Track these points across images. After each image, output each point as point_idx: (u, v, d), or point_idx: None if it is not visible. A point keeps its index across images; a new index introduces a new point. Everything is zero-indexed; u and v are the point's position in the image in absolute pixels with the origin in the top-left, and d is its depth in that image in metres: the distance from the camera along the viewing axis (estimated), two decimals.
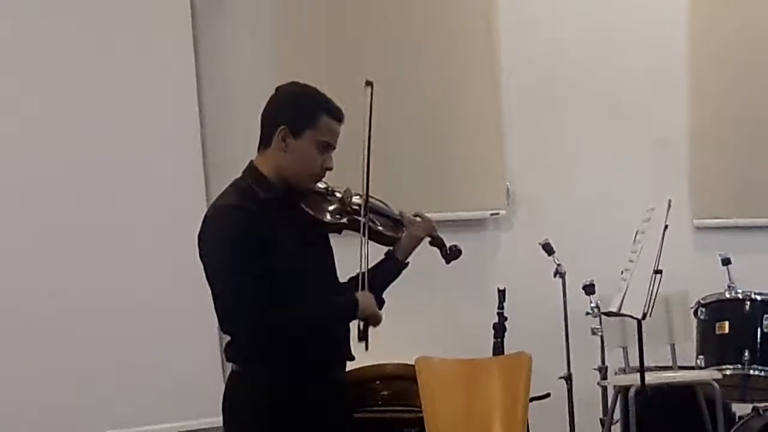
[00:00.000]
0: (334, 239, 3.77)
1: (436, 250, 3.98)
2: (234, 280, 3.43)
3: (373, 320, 3.61)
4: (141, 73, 6.17)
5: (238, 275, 3.42)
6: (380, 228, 3.80)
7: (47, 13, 5.98)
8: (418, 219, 3.89)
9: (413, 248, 3.86)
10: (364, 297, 3.60)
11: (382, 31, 6.55)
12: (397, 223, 3.86)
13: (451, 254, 3.98)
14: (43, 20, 5.98)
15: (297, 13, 6.59)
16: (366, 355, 3.65)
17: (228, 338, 3.62)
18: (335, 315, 3.60)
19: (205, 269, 3.53)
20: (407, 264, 3.85)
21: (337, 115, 3.62)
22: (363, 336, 3.60)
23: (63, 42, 6.02)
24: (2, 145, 5.87)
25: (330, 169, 3.64)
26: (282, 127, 3.55)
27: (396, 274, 3.82)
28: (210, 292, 3.52)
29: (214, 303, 3.52)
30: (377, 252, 3.80)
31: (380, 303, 3.80)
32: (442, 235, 3.98)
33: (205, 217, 3.57)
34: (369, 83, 3.68)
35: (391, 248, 3.85)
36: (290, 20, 6.59)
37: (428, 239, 3.94)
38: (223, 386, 3.66)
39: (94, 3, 6.12)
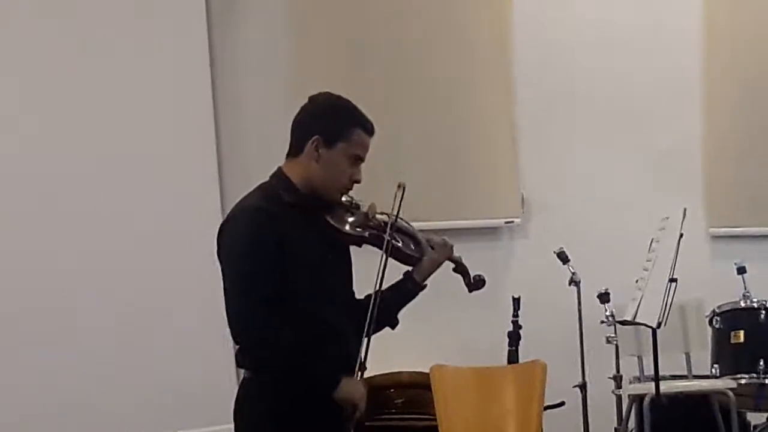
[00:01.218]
0: (355, 252, 3.76)
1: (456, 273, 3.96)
2: (244, 294, 3.44)
3: (349, 408, 3.56)
4: (156, 79, 6.19)
5: (250, 291, 3.43)
6: (401, 246, 3.77)
7: (61, 15, 6.00)
8: (440, 242, 3.86)
9: (432, 271, 3.81)
10: (349, 384, 3.54)
11: (396, 40, 6.55)
12: (418, 244, 3.83)
13: (474, 284, 3.91)
14: (56, 22, 6.00)
15: (311, 19, 6.60)
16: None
17: None
18: (316, 379, 3.54)
19: (221, 267, 3.54)
20: (425, 286, 3.80)
21: (370, 129, 3.64)
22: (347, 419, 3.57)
23: (78, 45, 6.04)
24: (16, 147, 5.89)
25: (358, 182, 3.65)
26: (316, 136, 3.56)
27: (412, 296, 3.79)
28: (223, 293, 3.54)
29: (225, 304, 3.51)
30: (396, 270, 3.79)
31: (394, 323, 3.79)
32: (466, 263, 3.96)
33: (228, 217, 3.59)
34: (401, 186, 3.65)
35: (411, 269, 3.82)
36: (305, 25, 6.60)
37: (452, 265, 3.92)
38: (235, 392, 3.67)
39: (109, 9, 6.14)
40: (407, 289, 3.78)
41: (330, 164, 3.57)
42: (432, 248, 3.82)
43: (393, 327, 3.78)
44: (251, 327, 3.45)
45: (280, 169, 3.65)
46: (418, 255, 3.79)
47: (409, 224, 3.84)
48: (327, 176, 3.58)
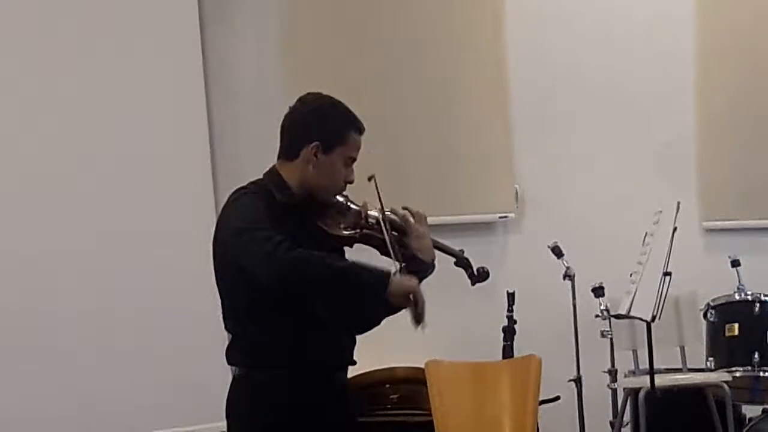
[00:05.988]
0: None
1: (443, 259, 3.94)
2: (256, 235, 3.36)
3: (411, 301, 3.46)
4: (149, 79, 6.18)
5: (260, 230, 3.37)
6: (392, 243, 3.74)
7: (56, 14, 5.99)
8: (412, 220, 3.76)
9: (427, 247, 3.72)
10: (399, 278, 3.45)
11: (388, 33, 6.55)
12: (406, 234, 3.77)
13: (478, 276, 3.88)
14: (51, 21, 5.99)
15: (305, 17, 6.60)
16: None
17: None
18: (365, 278, 3.43)
19: (222, 256, 3.51)
20: (434, 267, 3.74)
21: (362, 130, 3.66)
22: (417, 318, 3.49)
23: (73, 46, 6.03)
24: (13, 146, 5.88)
25: (351, 182, 3.66)
26: (316, 143, 3.56)
27: (421, 276, 3.70)
28: (217, 290, 3.56)
29: (254, 270, 3.42)
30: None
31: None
32: (468, 257, 3.91)
33: (226, 202, 3.58)
34: (371, 178, 3.62)
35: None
36: (298, 24, 6.60)
37: (453, 260, 3.90)
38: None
39: (103, 9, 6.14)
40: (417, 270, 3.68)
41: (327, 168, 3.58)
42: (411, 229, 3.73)
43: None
44: (284, 266, 3.33)
45: (275, 167, 3.64)
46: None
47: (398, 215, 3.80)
48: (323, 180, 3.59)
